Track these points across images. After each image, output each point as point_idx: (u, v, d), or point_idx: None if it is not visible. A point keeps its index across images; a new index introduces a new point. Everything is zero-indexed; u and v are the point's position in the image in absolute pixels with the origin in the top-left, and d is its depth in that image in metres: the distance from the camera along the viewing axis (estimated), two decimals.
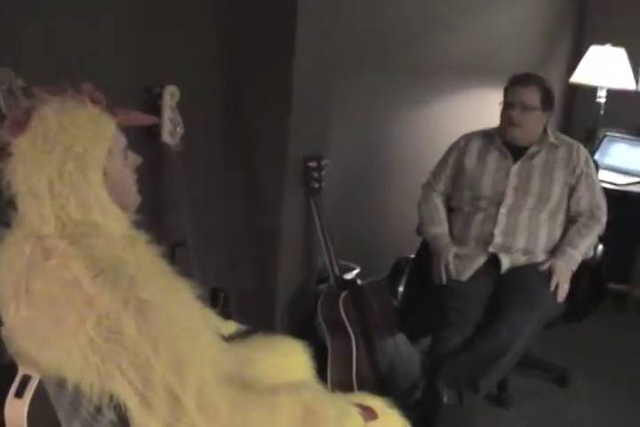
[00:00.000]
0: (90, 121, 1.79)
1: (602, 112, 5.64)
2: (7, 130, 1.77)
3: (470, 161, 3.92)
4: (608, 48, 5.52)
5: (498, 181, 3.83)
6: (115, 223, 1.80)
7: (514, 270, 3.70)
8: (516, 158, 3.84)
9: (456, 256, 3.77)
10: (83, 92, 1.82)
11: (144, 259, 1.78)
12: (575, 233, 3.77)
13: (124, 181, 1.89)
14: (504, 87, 3.87)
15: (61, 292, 1.66)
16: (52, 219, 1.73)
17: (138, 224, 1.88)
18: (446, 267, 3.75)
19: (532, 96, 3.75)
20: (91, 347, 1.63)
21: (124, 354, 1.63)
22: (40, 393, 2.52)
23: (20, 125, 1.75)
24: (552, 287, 3.60)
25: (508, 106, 3.80)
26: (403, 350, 3.74)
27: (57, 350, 1.68)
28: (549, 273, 3.65)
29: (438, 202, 4.00)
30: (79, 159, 1.73)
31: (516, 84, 3.81)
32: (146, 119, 2.17)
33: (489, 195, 3.82)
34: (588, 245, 3.78)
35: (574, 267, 3.71)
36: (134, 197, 1.95)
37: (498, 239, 3.74)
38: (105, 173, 1.79)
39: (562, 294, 3.62)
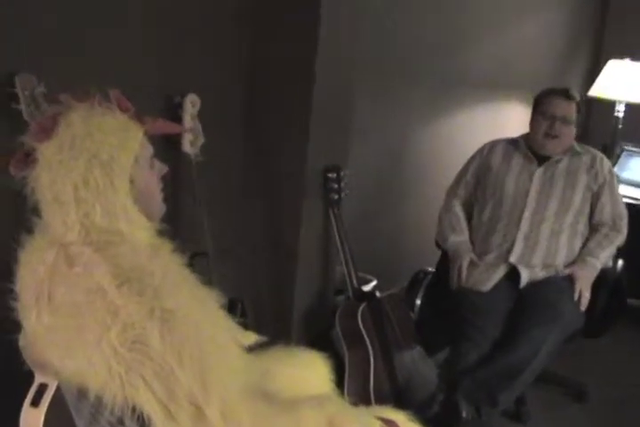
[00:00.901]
0: (117, 128, 1.77)
1: (620, 126, 5.62)
2: (33, 135, 1.76)
3: (495, 162, 3.96)
4: (627, 62, 5.50)
5: (521, 183, 3.85)
6: (140, 232, 1.78)
7: (533, 285, 3.69)
8: (539, 164, 3.86)
9: (472, 264, 3.79)
10: (110, 98, 1.81)
11: (169, 268, 1.75)
12: (596, 244, 3.78)
13: (150, 189, 1.87)
14: (540, 97, 3.89)
15: (85, 300, 1.64)
16: (77, 226, 1.71)
17: (161, 233, 1.87)
18: (459, 271, 3.76)
19: (572, 110, 3.81)
20: (114, 357, 1.61)
21: (148, 365, 1.61)
22: (56, 402, 2.51)
23: (47, 131, 1.74)
24: (576, 295, 3.61)
25: (549, 117, 3.80)
26: (420, 363, 3.71)
27: (79, 358, 1.66)
28: (570, 284, 3.65)
29: (459, 210, 4.03)
30: (105, 166, 1.71)
31: (564, 97, 3.82)
32: (173, 128, 2.16)
33: (512, 196, 3.84)
34: (607, 255, 3.80)
35: (594, 275, 3.71)
36: (160, 206, 1.93)
37: (519, 247, 3.75)
38: (131, 181, 1.77)
39: (584, 302, 3.63)
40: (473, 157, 4.07)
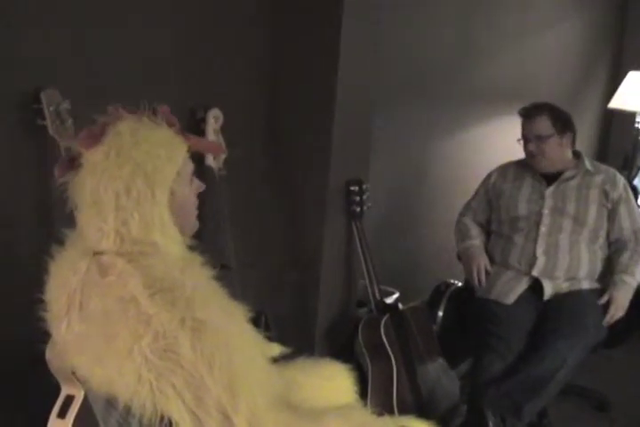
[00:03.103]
0: (163, 141, 1.81)
1: None
2: (81, 142, 1.79)
3: (506, 184, 3.97)
4: None
5: (534, 202, 3.84)
6: (173, 245, 1.81)
7: (557, 297, 3.69)
8: (550, 183, 3.85)
9: (490, 273, 3.84)
10: (159, 113, 1.85)
11: (200, 280, 1.78)
12: (628, 259, 3.72)
13: (187, 204, 1.91)
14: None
15: (117, 309, 1.67)
16: (112, 234, 1.74)
17: (191, 248, 1.89)
18: (478, 274, 3.82)
19: (542, 125, 3.75)
20: (145, 365, 1.63)
21: (178, 373, 1.63)
22: (82, 414, 2.53)
23: (95, 138, 1.77)
24: (607, 320, 3.60)
25: (525, 140, 3.82)
26: (442, 374, 3.72)
27: (109, 367, 1.69)
28: (595, 297, 3.65)
29: (468, 220, 4.08)
30: (149, 177, 1.75)
31: (525, 117, 3.82)
32: (217, 149, 2.19)
33: (526, 215, 3.83)
34: None
35: (631, 295, 3.66)
36: (194, 222, 1.97)
37: (540, 261, 3.73)
38: (171, 194, 1.81)
39: (611, 322, 3.62)
40: (481, 183, 4.11)
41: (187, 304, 1.66)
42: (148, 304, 1.64)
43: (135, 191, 1.73)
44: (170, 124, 1.85)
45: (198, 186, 1.96)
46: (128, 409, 1.70)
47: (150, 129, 1.81)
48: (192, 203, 1.94)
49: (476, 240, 3.99)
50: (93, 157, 1.76)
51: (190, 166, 1.91)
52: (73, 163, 1.80)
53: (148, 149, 1.76)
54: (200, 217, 2.02)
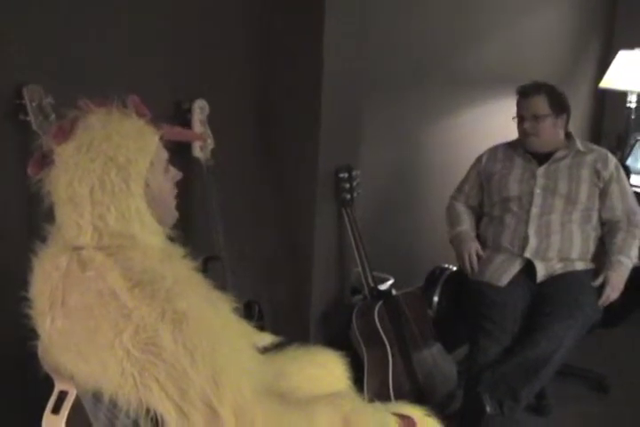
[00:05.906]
0: (134, 132, 1.79)
1: (633, 117, 5.60)
2: (51, 137, 1.78)
3: (496, 166, 3.97)
4: (637, 52, 5.48)
5: (525, 182, 3.84)
6: (152, 237, 1.79)
7: (552, 279, 3.68)
8: (541, 163, 3.85)
9: (483, 257, 3.83)
10: (128, 104, 1.84)
11: (181, 272, 1.77)
12: (622, 240, 3.72)
13: (164, 194, 1.89)
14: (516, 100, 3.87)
15: (97, 303, 1.66)
16: (90, 229, 1.73)
17: (172, 239, 1.88)
18: (470, 260, 3.82)
19: (540, 105, 3.75)
20: (128, 359, 1.63)
21: (161, 366, 1.62)
22: (76, 409, 2.53)
23: (65, 133, 1.76)
24: (603, 301, 3.60)
25: (520, 118, 3.81)
26: (439, 359, 3.72)
27: (93, 362, 1.68)
28: (590, 278, 3.66)
29: (459, 206, 4.09)
30: (122, 169, 1.73)
31: (522, 96, 3.81)
32: (191, 136, 2.16)
33: (517, 195, 3.83)
34: (636, 252, 3.73)
35: (626, 276, 3.66)
36: (172, 212, 1.94)
37: (532, 242, 3.72)
38: (146, 185, 1.79)
39: (606, 303, 3.62)
40: (474, 164, 4.10)
41: (167, 296, 1.65)
42: (128, 298, 1.64)
43: (109, 184, 1.72)
44: (141, 115, 1.84)
45: (175, 174, 1.94)
46: (114, 403, 1.70)
47: (120, 121, 1.79)
48: (169, 192, 1.92)
49: (466, 225, 3.99)
50: (65, 153, 1.75)
51: (164, 155, 1.89)
52: (45, 159, 1.79)
53: (119, 142, 1.74)
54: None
